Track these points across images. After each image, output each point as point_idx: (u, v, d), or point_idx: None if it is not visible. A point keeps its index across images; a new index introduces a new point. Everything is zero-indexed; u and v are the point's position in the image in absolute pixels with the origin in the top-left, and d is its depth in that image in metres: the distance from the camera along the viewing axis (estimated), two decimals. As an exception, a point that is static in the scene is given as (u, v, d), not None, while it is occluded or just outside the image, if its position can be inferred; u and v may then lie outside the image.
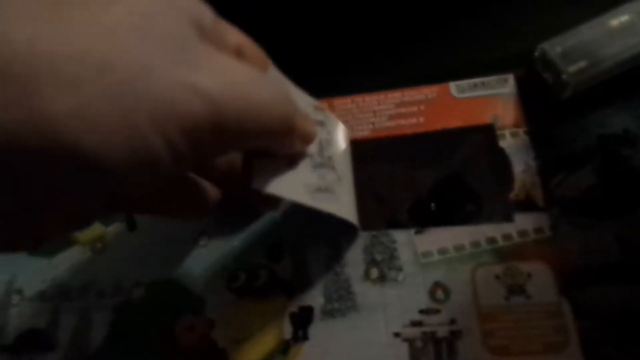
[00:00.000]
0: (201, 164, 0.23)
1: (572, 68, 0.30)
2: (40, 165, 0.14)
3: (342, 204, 0.25)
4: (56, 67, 0.13)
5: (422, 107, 0.30)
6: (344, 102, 0.31)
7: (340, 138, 0.28)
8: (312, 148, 0.24)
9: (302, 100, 0.25)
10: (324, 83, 0.32)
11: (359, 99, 0.31)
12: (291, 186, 0.22)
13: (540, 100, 0.30)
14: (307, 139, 0.22)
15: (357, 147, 0.29)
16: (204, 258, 0.28)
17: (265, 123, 0.18)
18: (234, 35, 0.20)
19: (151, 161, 0.15)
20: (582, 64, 0.30)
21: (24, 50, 0.13)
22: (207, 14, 0.18)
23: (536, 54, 0.32)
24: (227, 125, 0.16)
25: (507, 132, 0.28)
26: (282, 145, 0.21)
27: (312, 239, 0.27)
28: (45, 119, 0.13)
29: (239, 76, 0.17)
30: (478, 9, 0.34)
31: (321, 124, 0.26)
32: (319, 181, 0.24)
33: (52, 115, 0.13)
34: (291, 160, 0.23)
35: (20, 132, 0.13)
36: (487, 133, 0.28)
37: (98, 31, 0.14)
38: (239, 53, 0.20)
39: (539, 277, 0.24)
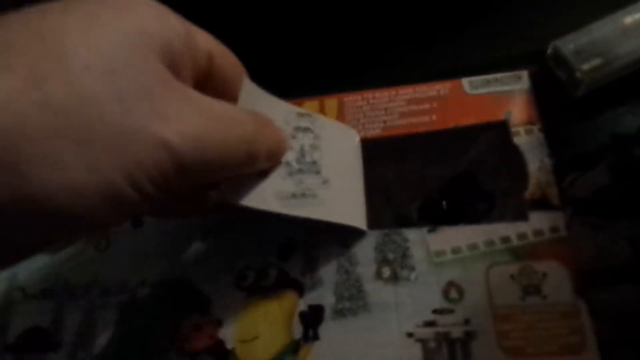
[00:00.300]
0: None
1: (586, 66, 0.30)
2: (26, 229, 0.15)
3: (327, 207, 0.25)
4: (42, 149, 0.14)
5: (434, 104, 0.29)
6: (354, 99, 0.30)
7: (335, 140, 0.27)
8: (290, 156, 0.25)
9: (282, 111, 0.26)
10: (334, 80, 0.32)
11: (369, 95, 0.30)
12: (258, 195, 0.23)
13: (553, 98, 0.29)
14: (275, 159, 0.24)
15: (369, 146, 0.29)
16: (212, 256, 0.28)
17: (228, 163, 0.19)
18: (205, 42, 0.20)
19: (125, 207, 0.16)
20: (595, 61, 0.30)
21: (11, 135, 0.14)
22: (178, 33, 0.18)
23: (549, 51, 0.31)
24: (191, 169, 0.17)
25: (521, 129, 0.27)
26: (250, 170, 0.22)
27: (322, 238, 0.26)
28: (35, 199, 0.14)
29: (204, 124, 0.18)
30: (490, 6, 0.34)
31: (305, 130, 0.26)
32: (295, 188, 0.24)
33: (42, 195, 0.14)
34: (262, 171, 0.23)
35: (11, 209, 0.14)
36: (501, 130, 0.28)
37: (77, 102, 0.15)
38: (210, 61, 0.21)
39: (555, 277, 0.24)
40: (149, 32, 0.17)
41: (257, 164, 0.22)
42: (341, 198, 0.26)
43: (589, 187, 0.27)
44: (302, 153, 0.25)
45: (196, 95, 0.18)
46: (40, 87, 0.14)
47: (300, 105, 0.30)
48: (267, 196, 0.23)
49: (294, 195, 0.24)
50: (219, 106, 0.19)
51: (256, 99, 0.24)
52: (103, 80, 0.15)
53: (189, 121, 0.17)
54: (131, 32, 0.17)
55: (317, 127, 0.27)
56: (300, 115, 0.27)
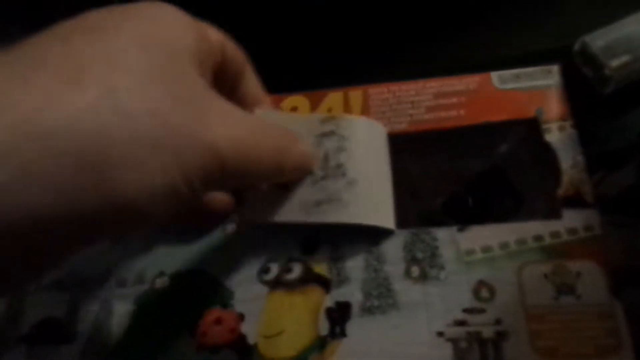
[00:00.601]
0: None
1: (615, 62, 0.29)
2: (102, 226, 0.16)
3: (353, 210, 0.24)
4: (124, 152, 0.15)
5: (462, 99, 0.29)
6: (380, 91, 0.30)
7: (362, 138, 0.27)
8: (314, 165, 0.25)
9: (301, 122, 0.26)
10: (359, 72, 0.31)
11: (395, 87, 0.30)
12: (282, 209, 0.24)
13: (580, 95, 0.29)
14: (301, 173, 0.25)
15: (395, 140, 0.28)
16: (234, 247, 0.27)
17: (259, 171, 0.21)
18: (216, 36, 0.22)
19: (177, 205, 0.18)
20: (625, 58, 0.29)
21: (97, 141, 0.14)
22: (201, 37, 0.20)
23: (576, 47, 0.31)
24: (230, 173, 0.19)
25: (553, 126, 0.27)
26: (276, 180, 0.24)
27: (349, 234, 0.26)
28: (116, 200, 0.15)
29: (243, 132, 0.19)
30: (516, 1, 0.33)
31: (329, 134, 0.26)
32: (320, 195, 0.25)
33: (123, 196, 0.15)
34: (284, 185, 0.25)
35: (93, 211, 0.15)
36: (532, 127, 0.27)
37: (146, 110, 0.16)
38: (223, 55, 0.22)
39: (590, 276, 0.23)
40: (184, 42, 0.19)
41: (284, 176, 0.23)
42: (368, 198, 0.25)
43: (616, 186, 0.27)
44: (326, 159, 0.25)
45: (231, 105, 0.20)
46: (115, 97, 0.15)
47: (325, 96, 0.30)
48: (291, 208, 0.24)
49: (318, 203, 0.24)
50: (253, 117, 0.22)
51: (272, 118, 0.25)
52: (162, 91, 0.17)
53: (231, 128, 0.19)
54: (171, 45, 0.18)
55: (342, 129, 0.26)
56: (324, 120, 0.26)
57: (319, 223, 0.24)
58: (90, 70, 0.15)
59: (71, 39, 0.16)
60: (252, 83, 0.25)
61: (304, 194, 0.24)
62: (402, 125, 0.29)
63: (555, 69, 0.28)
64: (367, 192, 0.25)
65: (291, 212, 0.24)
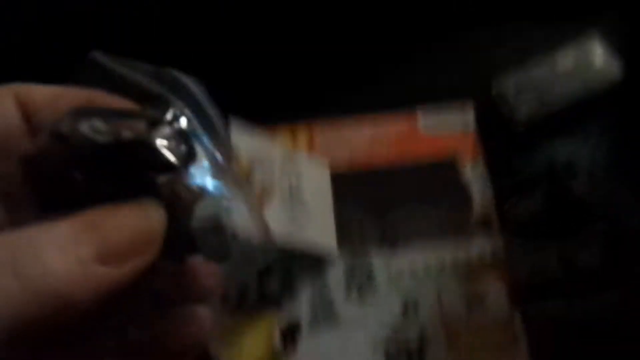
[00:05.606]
0: None
1: (524, 107, 0.33)
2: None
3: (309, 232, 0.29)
4: None
5: (392, 141, 0.33)
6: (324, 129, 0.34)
7: (311, 170, 0.31)
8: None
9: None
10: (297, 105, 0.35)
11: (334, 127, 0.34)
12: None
13: (496, 129, 0.33)
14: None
15: (335, 180, 0.32)
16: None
17: None
18: None
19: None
20: (533, 103, 0.33)
21: None
22: None
23: (493, 92, 0.34)
24: None
25: (467, 165, 0.32)
26: None
27: (298, 261, 0.30)
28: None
29: None
30: (436, 39, 0.36)
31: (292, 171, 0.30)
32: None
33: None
34: None
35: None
36: (450, 167, 0.32)
37: None
38: None
39: (495, 293, 0.29)
40: None
41: None
42: (319, 223, 0.30)
43: (526, 212, 0.32)
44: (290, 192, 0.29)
45: None
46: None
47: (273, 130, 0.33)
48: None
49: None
50: None
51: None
52: None
53: None
54: None
55: (297, 164, 0.30)
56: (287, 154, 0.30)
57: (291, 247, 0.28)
58: None
59: None
60: None
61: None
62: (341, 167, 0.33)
63: (469, 107, 0.33)
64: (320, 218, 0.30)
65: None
